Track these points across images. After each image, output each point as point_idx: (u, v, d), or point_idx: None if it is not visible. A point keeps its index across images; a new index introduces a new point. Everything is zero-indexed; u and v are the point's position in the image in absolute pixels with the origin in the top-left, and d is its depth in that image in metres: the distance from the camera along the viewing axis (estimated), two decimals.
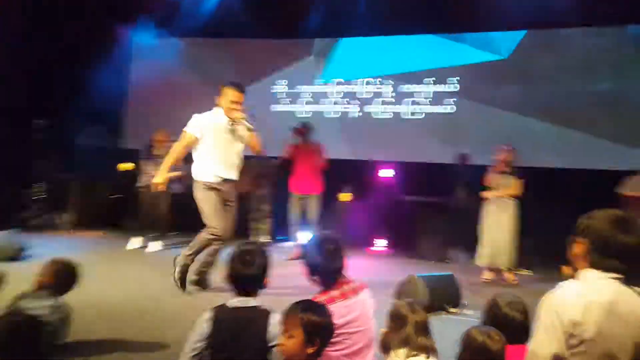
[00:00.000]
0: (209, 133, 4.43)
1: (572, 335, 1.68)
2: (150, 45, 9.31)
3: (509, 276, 5.70)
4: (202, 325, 2.16)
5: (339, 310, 2.23)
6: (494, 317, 2.24)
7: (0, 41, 7.95)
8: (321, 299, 2.29)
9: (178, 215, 8.26)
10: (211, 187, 4.40)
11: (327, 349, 2.02)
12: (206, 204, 4.38)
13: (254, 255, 2.27)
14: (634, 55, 7.34)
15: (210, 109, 4.54)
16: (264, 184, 7.61)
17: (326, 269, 2.44)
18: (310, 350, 1.85)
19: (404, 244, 7.57)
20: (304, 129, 6.87)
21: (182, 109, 8.87)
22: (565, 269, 2.54)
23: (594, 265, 1.79)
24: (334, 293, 2.40)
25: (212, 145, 4.44)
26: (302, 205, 6.77)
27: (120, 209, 8.14)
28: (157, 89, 9.14)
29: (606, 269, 1.76)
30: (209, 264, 4.48)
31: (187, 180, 8.33)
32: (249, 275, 2.24)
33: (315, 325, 1.87)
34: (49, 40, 8.03)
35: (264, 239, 7.27)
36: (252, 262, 2.25)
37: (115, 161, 8.45)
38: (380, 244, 8.01)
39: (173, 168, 6.95)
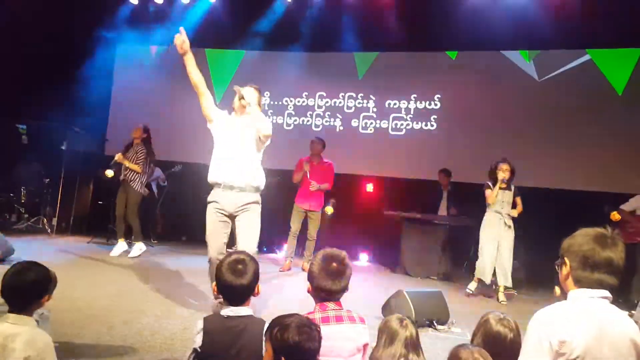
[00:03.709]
0: None
1: (560, 353, 1.67)
2: (134, 53, 9.48)
3: (501, 295, 5.65)
4: (195, 337, 2.13)
5: None
6: (486, 334, 2.23)
7: None
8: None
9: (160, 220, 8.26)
10: None
11: None
12: None
13: (246, 265, 2.21)
14: None
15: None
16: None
17: (321, 287, 2.34)
18: None
19: (388, 259, 7.63)
20: (322, 147, 6.76)
21: (162, 117, 9.13)
22: (557, 291, 2.57)
23: (580, 283, 1.80)
24: (317, 315, 2.30)
25: None
26: (303, 219, 6.73)
27: (105, 215, 8.07)
28: (139, 97, 9.31)
29: (592, 284, 1.77)
30: None
31: (162, 183, 8.41)
32: (241, 286, 2.18)
33: (281, 343, 1.82)
34: (35, 44, 8.00)
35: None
36: (244, 272, 2.19)
37: (100, 167, 8.44)
38: (364, 258, 8.04)
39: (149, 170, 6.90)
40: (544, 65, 7.89)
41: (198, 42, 8.93)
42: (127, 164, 6.58)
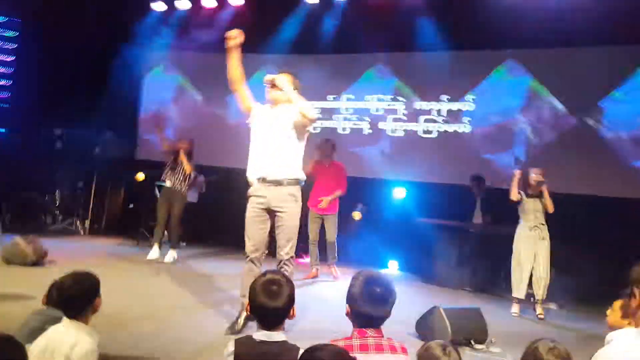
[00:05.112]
0: None
1: None
2: (160, 59, 9.69)
3: (539, 308, 5.39)
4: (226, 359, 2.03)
5: None
6: None
7: (24, 52, 8.21)
8: (340, 344, 2.00)
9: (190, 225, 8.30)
10: None
11: None
12: None
13: (281, 286, 2.10)
14: None
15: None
16: None
17: (362, 312, 2.16)
18: None
19: (419, 268, 7.34)
20: (332, 148, 6.67)
21: (190, 121, 9.17)
22: (611, 316, 2.37)
23: None
24: (355, 342, 2.14)
25: None
26: (320, 223, 6.59)
27: (136, 218, 8.25)
28: (168, 102, 9.61)
29: None
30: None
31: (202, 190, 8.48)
32: (275, 308, 2.07)
33: None
34: (69, 53, 8.27)
35: None
36: (278, 294, 2.08)
37: (130, 171, 8.65)
38: (394, 266, 7.84)
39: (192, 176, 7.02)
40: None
41: (219, 46, 8.99)
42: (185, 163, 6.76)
